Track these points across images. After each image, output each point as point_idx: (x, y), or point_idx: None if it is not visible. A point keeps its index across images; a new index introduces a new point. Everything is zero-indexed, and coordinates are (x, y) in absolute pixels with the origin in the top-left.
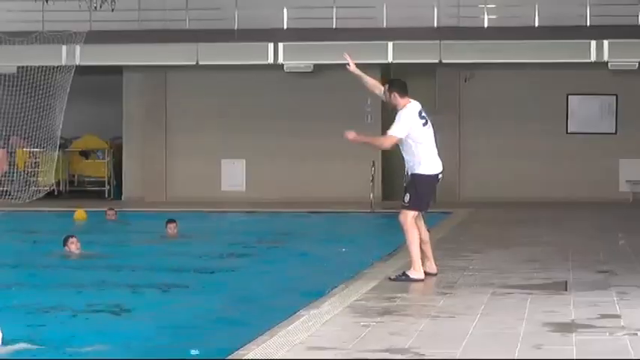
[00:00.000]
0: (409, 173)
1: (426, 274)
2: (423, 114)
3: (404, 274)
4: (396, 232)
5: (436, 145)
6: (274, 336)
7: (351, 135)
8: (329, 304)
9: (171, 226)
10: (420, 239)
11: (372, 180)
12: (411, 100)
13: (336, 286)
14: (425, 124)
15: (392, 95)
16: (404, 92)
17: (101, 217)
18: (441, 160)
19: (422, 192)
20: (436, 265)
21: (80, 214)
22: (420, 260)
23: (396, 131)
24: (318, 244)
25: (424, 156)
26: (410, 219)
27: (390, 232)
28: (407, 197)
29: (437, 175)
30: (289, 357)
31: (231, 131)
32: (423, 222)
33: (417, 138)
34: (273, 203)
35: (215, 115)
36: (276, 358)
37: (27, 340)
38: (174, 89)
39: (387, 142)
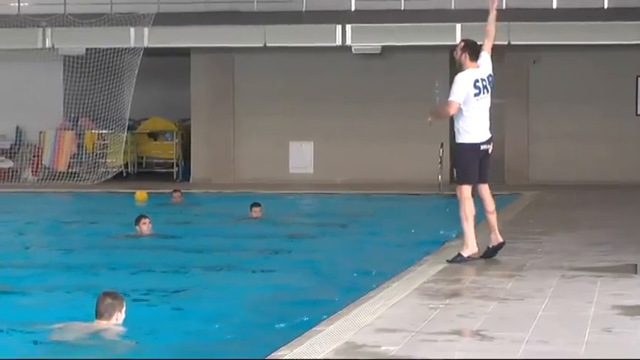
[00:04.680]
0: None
1: (493, 248)
2: (479, 84)
3: (459, 254)
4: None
5: (489, 117)
6: (342, 318)
7: (430, 117)
8: (397, 286)
9: (256, 209)
10: (485, 209)
11: (440, 161)
12: (479, 66)
13: (404, 269)
14: (477, 94)
15: (463, 55)
16: (474, 57)
17: (168, 199)
18: (509, 142)
19: (465, 162)
20: (502, 236)
21: (141, 195)
22: (472, 236)
23: (455, 96)
24: (386, 226)
25: (469, 125)
26: (464, 192)
27: (459, 213)
28: (454, 172)
29: (479, 144)
30: (357, 339)
31: (298, 113)
32: (489, 193)
33: (465, 107)
34: (340, 185)
35: (282, 97)
36: (345, 340)
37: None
38: (242, 71)
39: (449, 109)
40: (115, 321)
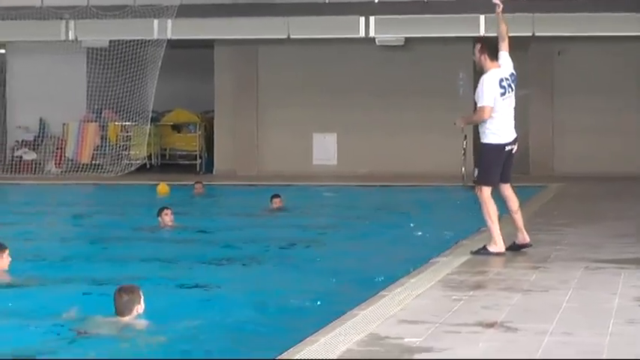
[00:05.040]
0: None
1: (520, 246)
2: (504, 83)
3: (484, 247)
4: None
5: (513, 116)
6: (366, 309)
7: (459, 121)
8: (420, 277)
9: (276, 200)
10: (509, 209)
11: (464, 153)
12: (500, 65)
13: (427, 260)
14: (503, 94)
15: (482, 57)
16: (494, 57)
17: (190, 191)
18: (534, 134)
19: (488, 163)
20: (527, 235)
21: (163, 188)
22: (499, 235)
23: (485, 100)
24: (409, 218)
25: (495, 126)
26: (485, 193)
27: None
28: (476, 172)
29: (504, 145)
30: (380, 330)
31: (322, 105)
32: (511, 191)
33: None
34: (363, 177)
35: (306, 89)
36: (368, 331)
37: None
38: (266, 63)
39: (483, 114)
40: (136, 313)
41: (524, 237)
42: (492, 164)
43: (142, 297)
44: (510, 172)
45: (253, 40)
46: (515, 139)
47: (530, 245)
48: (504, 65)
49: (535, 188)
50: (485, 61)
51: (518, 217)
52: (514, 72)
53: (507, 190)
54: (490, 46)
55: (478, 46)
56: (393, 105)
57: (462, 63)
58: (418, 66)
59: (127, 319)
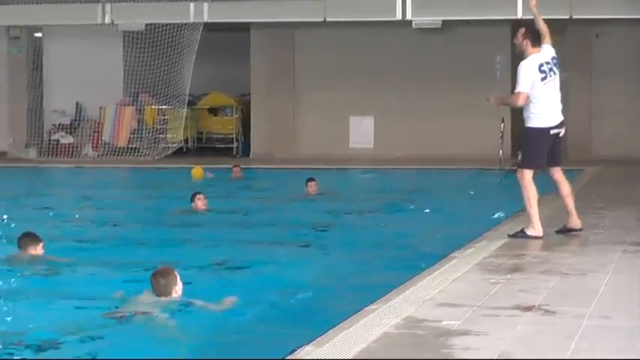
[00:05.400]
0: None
1: (569, 229)
2: (544, 67)
3: (522, 231)
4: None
5: (560, 99)
6: (403, 293)
7: (493, 99)
8: (458, 261)
9: (312, 184)
10: (560, 193)
11: (502, 136)
12: (541, 50)
13: (464, 244)
14: (544, 78)
15: (525, 42)
16: (536, 43)
17: (228, 175)
18: (573, 117)
19: (532, 147)
20: (579, 220)
21: (197, 171)
22: (538, 219)
23: (522, 87)
24: (446, 201)
25: (539, 110)
26: (526, 177)
27: (520, 189)
28: (519, 155)
29: (548, 129)
30: (418, 314)
31: (359, 88)
32: (561, 174)
33: (532, 93)
34: (400, 160)
35: (342, 72)
36: (405, 315)
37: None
38: (302, 46)
39: (518, 100)
40: (175, 294)
41: (575, 221)
42: (536, 148)
43: (179, 277)
44: (560, 155)
45: (289, 24)
46: (562, 122)
47: (581, 230)
48: (546, 50)
49: (573, 172)
50: (527, 46)
51: (570, 201)
52: (555, 55)
53: (557, 173)
54: (533, 32)
55: (522, 30)
56: (430, 88)
57: (499, 46)
58: (455, 49)
59: (167, 299)
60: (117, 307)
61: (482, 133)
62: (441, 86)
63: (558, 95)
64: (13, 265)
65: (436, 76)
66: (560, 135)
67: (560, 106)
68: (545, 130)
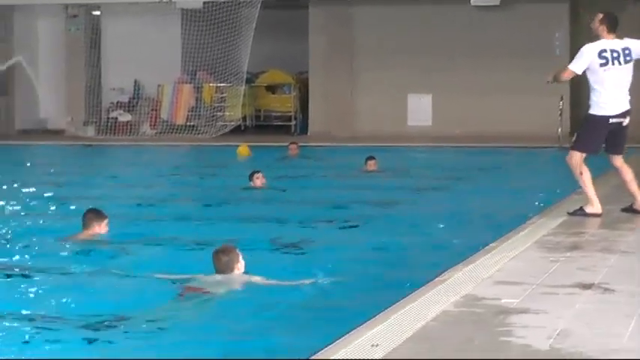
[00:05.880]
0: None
1: (635, 210)
2: (606, 54)
3: (581, 208)
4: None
5: (627, 89)
6: (462, 270)
7: (549, 77)
8: (516, 239)
9: (371, 162)
10: (623, 180)
11: (561, 114)
12: (613, 38)
13: (523, 221)
14: (603, 64)
15: (601, 27)
16: (612, 30)
17: (285, 152)
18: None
19: (589, 133)
20: None
21: (244, 149)
22: (595, 196)
23: (572, 64)
24: (505, 179)
25: (600, 98)
26: (575, 159)
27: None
28: (574, 137)
29: (609, 117)
30: (476, 292)
31: (417, 66)
32: (622, 162)
33: (593, 78)
34: (458, 138)
35: (401, 50)
36: (464, 293)
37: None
38: (360, 24)
39: (564, 74)
40: (238, 270)
41: None
42: (591, 134)
43: (240, 255)
44: (621, 144)
45: (348, 1)
46: (626, 112)
47: None
48: (624, 41)
49: (634, 149)
50: (603, 31)
51: (633, 186)
52: (629, 47)
53: (618, 161)
54: (610, 19)
55: (600, 16)
56: (488, 65)
57: (558, 22)
58: (513, 26)
59: (229, 276)
60: (179, 285)
61: (540, 111)
62: (499, 63)
63: (625, 85)
64: (77, 244)
65: (494, 53)
66: (624, 124)
67: (626, 96)
68: (604, 119)
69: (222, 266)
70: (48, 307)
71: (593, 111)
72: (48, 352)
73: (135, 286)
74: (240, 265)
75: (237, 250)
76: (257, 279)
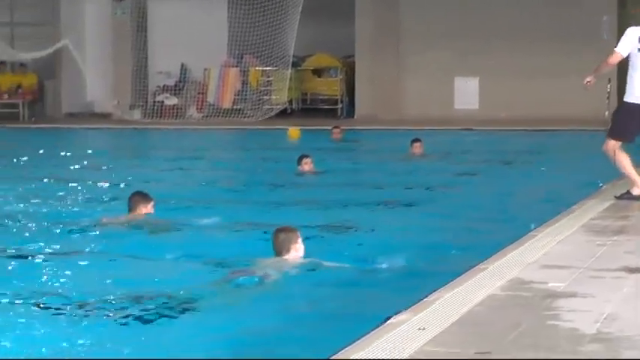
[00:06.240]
0: None
1: None
2: None
3: (628, 192)
4: (632, 150)
5: None
6: (508, 254)
7: (590, 78)
8: (563, 223)
9: (417, 145)
10: None
11: (608, 97)
12: None
13: (570, 205)
14: None
15: None
16: None
17: (329, 136)
18: None
19: (623, 121)
20: None
21: (294, 132)
22: (638, 177)
23: (618, 47)
24: (552, 163)
25: (633, 84)
26: (611, 147)
27: (627, 150)
28: (610, 124)
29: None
30: (523, 275)
31: (464, 49)
32: None
33: (630, 63)
34: (505, 121)
35: (447, 34)
36: (511, 276)
37: (264, 255)
38: (407, 7)
39: (611, 58)
40: (296, 252)
41: None
42: (624, 122)
43: (300, 239)
44: None
45: None
46: None
47: None
48: None
49: None
50: None
51: None
52: None
53: None
54: None
55: None
56: (535, 48)
57: (606, 5)
58: (561, 9)
59: (285, 257)
60: (227, 269)
61: (587, 94)
62: (546, 47)
63: None
64: (124, 226)
65: (541, 36)
66: None
67: None
68: (636, 107)
69: (278, 244)
70: (97, 289)
71: (626, 98)
72: (97, 334)
73: (181, 270)
74: (299, 248)
75: (298, 234)
76: (313, 262)
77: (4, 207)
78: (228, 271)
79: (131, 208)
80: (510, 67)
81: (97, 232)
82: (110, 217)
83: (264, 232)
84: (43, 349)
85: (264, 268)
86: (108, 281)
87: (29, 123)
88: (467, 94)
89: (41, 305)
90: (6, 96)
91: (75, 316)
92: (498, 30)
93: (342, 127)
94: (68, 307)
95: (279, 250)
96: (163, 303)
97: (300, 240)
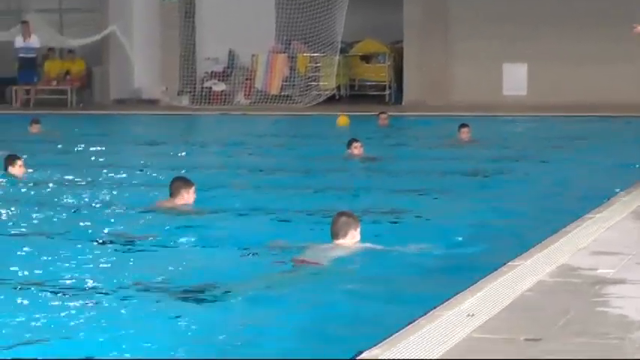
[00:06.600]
0: None
1: None
2: None
3: None
4: None
5: None
6: (557, 241)
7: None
8: (612, 209)
9: (464, 130)
10: None
11: None
12: None
13: (619, 192)
14: None
15: None
16: None
17: (376, 122)
18: None
19: None
20: None
21: (343, 119)
22: None
23: None
24: (601, 149)
25: None
26: None
27: None
28: None
29: None
30: (572, 262)
31: (512, 35)
32: None
33: None
34: (554, 107)
35: (496, 19)
36: (560, 262)
37: (311, 240)
38: None
39: None
40: (352, 239)
41: None
42: None
43: (359, 227)
44: None
45: None
46: None
47: None
48: None
49: None
50: None
51: None
52: None
53: None
54: None
55: None
56: (584, 34)
57: None
58: None
59: (341, 242)
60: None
61: (637, 80)
62: (594, 33)
63: None
64: (167, 213)
65: (590, 22)
66: None
67: None
68: None
69: (337, 227)
70: (143, 276)
71: None
72: (142, 323)
73: (226, 256)
74: (356, 235)
75: (358, 221)
76: (369, 247)
77: (50, 193)
78: (287, 258)
79: (172, 194)
80: (559, 53)
81: (142, 219)
82: (157, 203)
83: (313, 218)
84: (81, 334)
85: (320, 253)
86: (155, 268)
87: (77, 109)
88: (515, 80)
89: (86, 289)
90: (54, 82)
91: (121, 302)
92: (547, 16)
93: (389, 113)
94: (113, 294)
95: (336, 233)
96: (211, 290)
97: (359, 228)
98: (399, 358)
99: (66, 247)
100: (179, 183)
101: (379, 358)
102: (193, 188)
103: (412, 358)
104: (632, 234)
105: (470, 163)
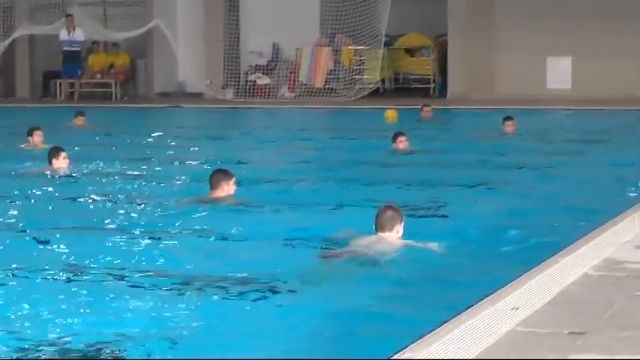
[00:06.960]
0: None
1: None
2: None
3: None
4: None
5: None
6: (601, 235)
7: None
8: None
9: (509, 123)
10: None
11: None
12: None
13: None
14: None
15: None
16: None
17: (419, 115)
18: None
19: None
20: None
21: (391, 113)
22: None
23: None
24: None
25: None
26: None
27: None
28: None
29: None
30: (617, 255)
31: (557, 28)
32: None
33: None
34: (598, 101)
35: (541, 13)
36: (604, 256)
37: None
38: None
39: None
40: (397, 234)
41: None
42: None
43: (404, 222)
44: None
45: None
46: None
47: None
48: None
49: None
50: None
51: None
52: None
53: None
54: None
55: None
56: (629, 28)
57: None
58: None
59: (386, 235)
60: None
61: None
62: (638, 26)
63: None
64: (207, 206)
65: (634, 16)
66: None
67: None
68: None
69: (383, 220)
70: (184, 269)
71: None
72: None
73: (272, 249)
74: (401, 230)
75: (403, 216)
76: (409, 244)
77: (94, 186)
78: (326, 250)
79: (213, 186)
80: (603, 46)
81: (184, 212)
82: (196, 197)
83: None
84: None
85: (365, 247)
86: (196, 261)
87: (121, 102)
88: (559, 73)
89: (125, 281)
90: (99, 75)
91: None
92: (590, 9)
93: (432, 106)
94: (155, 286)
95: (382, 226)
96: (255, 284)
97: (403, 222)
98: (443, 350)
99: (109, 240)
100: (219, 175)
101: (422, 351)
102: (233, 180)
103: (456, 350)
104: None
105: (514, 156)
